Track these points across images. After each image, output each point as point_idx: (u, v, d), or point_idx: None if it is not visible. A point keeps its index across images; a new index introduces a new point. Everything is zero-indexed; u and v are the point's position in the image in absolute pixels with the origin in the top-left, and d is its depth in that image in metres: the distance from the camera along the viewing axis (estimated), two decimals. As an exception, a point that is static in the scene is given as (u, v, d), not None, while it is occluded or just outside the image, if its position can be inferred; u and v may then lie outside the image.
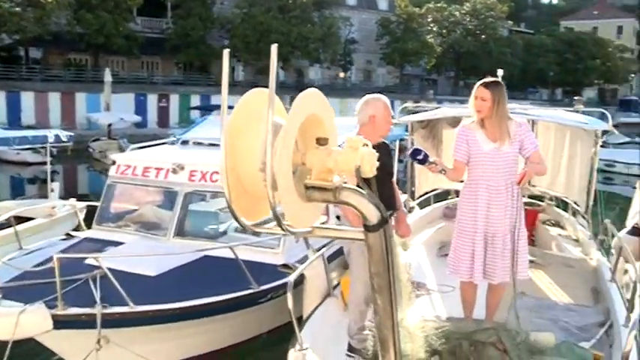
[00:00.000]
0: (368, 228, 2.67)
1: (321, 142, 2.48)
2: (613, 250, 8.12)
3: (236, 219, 2.54)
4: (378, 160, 4.57)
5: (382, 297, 2.85)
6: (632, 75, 78.47)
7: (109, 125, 26.93)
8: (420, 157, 4.21)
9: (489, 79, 4.50)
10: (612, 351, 4.52)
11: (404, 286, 4.15)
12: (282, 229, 2.65)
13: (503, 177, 4.39)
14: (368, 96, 4.46)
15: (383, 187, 4.29)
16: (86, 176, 25.05)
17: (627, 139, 32.86)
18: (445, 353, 3.99)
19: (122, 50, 37.43)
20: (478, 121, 4.45)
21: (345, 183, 2.44)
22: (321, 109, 2.58)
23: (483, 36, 55.78)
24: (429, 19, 54.91)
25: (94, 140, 26.34)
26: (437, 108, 9.68)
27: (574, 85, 68.61)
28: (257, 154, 2.29)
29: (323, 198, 2.61)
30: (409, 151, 4.54)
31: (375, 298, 2.97)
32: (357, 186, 2.24)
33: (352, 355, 4.40)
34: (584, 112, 8.66)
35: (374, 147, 4.52)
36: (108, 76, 28.65)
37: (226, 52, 2.69)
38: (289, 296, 3.99)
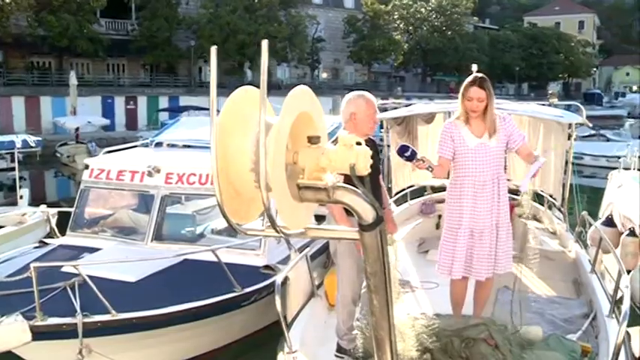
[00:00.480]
0: (364, 227, 2.60)
1: (313, 140, 2.40)
2: (589, 242, 8.25)
3: (229, 222, 2.45)
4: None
5: (378, 297, 2.79)
6: (594, 69, 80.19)
7: (77, 129, 26.37)
8: (408, 153, 4.16)
9: (477, 75, 4.46)
10: (598, 342, 4.56)
11: (393, 285, 4.11)
12: (277, 231, 2.56)
13: (489, 172, 4.39)
14: (351, 93, 4.40)
15: (371, 184, 4.24)
16: (54, 181, 24.53)
17: (593, 132, 33.54)
18: (436, 351, 3.97)
19: (87, 52, 36.61)
20: (463, 118, 4.43)
21: (339, 182, 2.38)
22: (311, 107, 2.51)
23: (449, 32, 56.29)
24: (396, 16, 55.19)
25: (61, 145, 25.79)
26: (408, 105, 9.69)
27: (539, 80, 69.79)
28: (247, 155, 2.22)
29: (316, 198, 2.53)
30: (396, 148, 4.48)
31: (372, 298, 2.90)
32: (349, 183, 2.18)
33: (341, 355, 4.35)
34: (557, 106, 8.77)
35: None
36: (73, 79, 28.07)
37: (214, 49, 2.59)
38: (277, 298, 3.92)
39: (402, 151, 4.19)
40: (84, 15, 35.75)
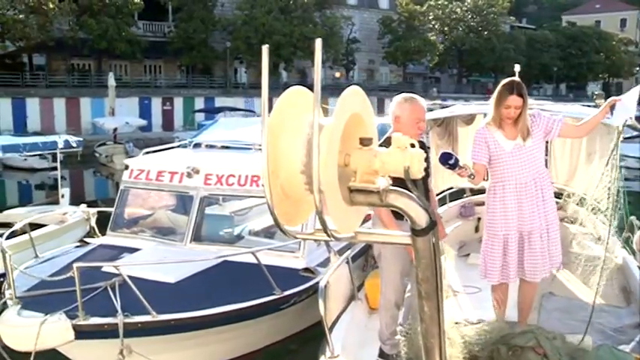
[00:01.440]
0: (416, 232, 2.51)
1: (365, 142, 2.32)
2: (635, 247, 7.99)
3: (278, 226, 2.38)
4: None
5: (430, 303, 2.70)
6: (637, 68, 78.14)
7: (115, 130, 26.85)
8: (452, 161, 3.96)
9: (514, 80, 4.36)
10: None
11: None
12: (328, 235, 2.48)
13: (529, 173, 4.33)
14: (401, 95, 4.32)
15: (422, 187, 4.16)
16: (93, 181, 24.98)
17: (636, 133, 32.68)
18: (483, 358, 3.85)
19: (125, 54, 37.37)
20: (496, 123, 4.35)
21: (392, 185, 2.30)
22: (362, 108, 2.43)
23: (485, 32, 55.52)
24: (431, 17, 54.69)
25: (99, 145, 26.26)
26: (445, 106, 9.56)
27: (578, 80, 68.34)
28: (298, 156, 2.15)
29: (368, 201, 2.45)
30: (438, 156, 4.35)
31: (422, 305, 2.81)
32: (402, 187, 2.10)
33: (384, 360, 4.27)
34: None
35: None
36: (112, 81, 28.59)
37: (265, 48, 2.53)
38: (321, 302, 3.86)
39: (445, 159, 3.97)
40: (122, 18, 36.52)
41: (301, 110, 2.23)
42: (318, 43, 2.22)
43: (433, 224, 2.59)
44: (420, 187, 2.26)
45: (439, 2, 56.13)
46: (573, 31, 67.38)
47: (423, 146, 4.42)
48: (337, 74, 51.70)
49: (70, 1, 33.92)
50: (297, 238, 2.65)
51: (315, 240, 2.65)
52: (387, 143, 2.51)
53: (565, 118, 4.62)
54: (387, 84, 54.55)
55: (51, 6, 32.66)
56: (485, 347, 3.92)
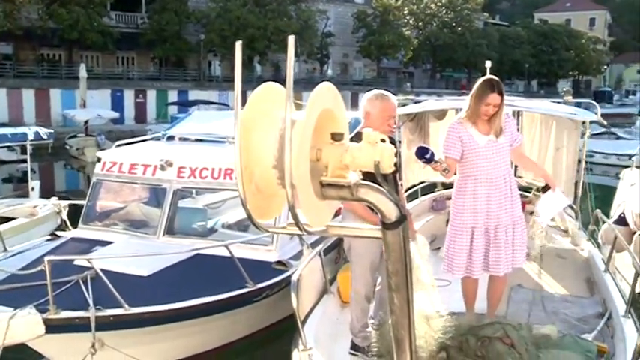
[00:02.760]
0: (387, 226, 2.57)
1: (337, 137, 2.37)
2: (600, 240, 8.20)
3: (251, 220, 2.42)
4: None
5: (399, 296, 2.77)
6: (605, 66, 79.61)
7: (86, 122, 26.42)
8: (428, 155, 3.97)
9: (492, 79, 4.45)
10: (614, 342, 4.53)
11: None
12: (300, 229, 2.54)
13: (500, 169, 4.45)
14: (373, 91, 4.35)
15: (390, 183, 4.21)
16: (63, 174, 24.61)
17: (603, 130, 33.33)
18: (452, 349, 3.94)
19: (97, 45, 36.74)
20: (472, 119, 4.43)
21: (363, 179, 2.35)
22: (334, 104, 2.48)
23: (459, 28, 56.04)
24: (405, 12, 54.98)
25: (70, 137, 25.85)
26: (417, 102, 9.65)
27: (549, 77, 69.41)
28: (270, 151, 2.19)
29: (339, 195, 2.50)
30: (414, 150, 4.40)
31: (392, 297, 2.88)
32: (373, 182, 2.15)
33: (356, 352, 4.33)
34: (575, 104, 8.72)
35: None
36: (83, 72, 28.15)
37: (238, 45, 2.56)
38: (293, 295, 3.90)
39: (421, 153, 4.01)
40: (94, 8, 35.92)
41: (274, 105, 2.27)
42: (291, 39, 2.27)
43: (403, 218, 2.66)
44: (391, 181, 2.33)
45: (414, -3, 56.55)
46: (544, 28, 68.37)
47: (393, 141, 4.48)
48: (313, 68, 51.74)
49: (39, -11, 33.39)
50: (269, 232, 2.70)
51: (288, 234, 2.70)
52: (357, 138, 2.55)
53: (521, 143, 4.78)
54: (361, 78, 54.70)
55: (18, -7, 32.04)
56: (455, 338, 4.01)
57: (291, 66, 2.22)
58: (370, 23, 51.49)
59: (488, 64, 7.50)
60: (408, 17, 55.45)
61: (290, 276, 5.12)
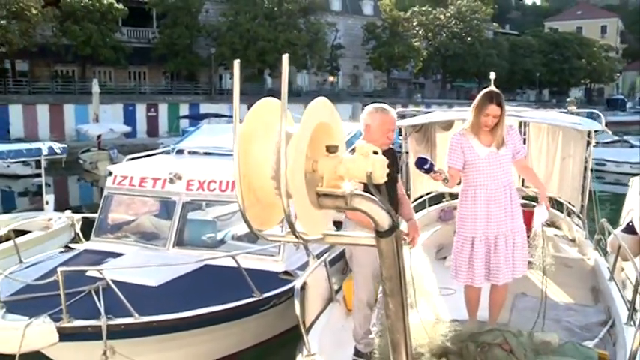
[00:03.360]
0: (380, 234, 2.70)
1: (331, 149, 2.50)
2: (609, 249, 8.23)
3: (250, 228, 2.56)
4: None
5: (394, 300, 2.88)
6: (618, 74, 79.25)
7: (99, 136, 26.80)
8: (427, 166, 4.18)
9: (493, 90, 4.55)
10: (616, 349, 4.58)
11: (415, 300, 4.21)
12: (296, 237, 2.67)
13: (500, 180, 4.52)
14: (373, 105, 4.47)
15: (390, 192, 4.33)
16: (77, 188, 24.93)
17: (615, 138, 33.21)
18: (452, 355, 4.04)
19: (109, 61, 37.32)
20: (474, 130, 4.53)
21: (357, 189, 2.47)
22: (329, 117, 2.61)
23: (469, 38, 56.12)
24: (415, 23, 55.20)
25: (83, 152, 26.20)
26: (428, 112, 9.75)
27: (561, 86, 69.20)
28: (268, 163, 2.32)
29: (335, 205, 2.64)
30: (414, 161, 4.55)
31: (387, 301, 2.99)
32: (367, 192, 2.27)
33: (359, 359, 4.43)
34: (578, 114, 8.79)
35: (382, 153, 4.50)
36: (96, 87, 28.55)
37: (237, 63, 2.71)
38: (296, 302, 4.01)
39: (420, 164, 4.22)
40: (106, 24, 36.46)
41: (272, 119, 2.41)
42: (285, 58, 2.43)
43: (395, 226, 2.78)
44: (384, 191, 2.43)
45: (423, 9, 56.69)
46: (555, 37, 68.28)
47: (393, 153, 4.61)
48: (330, 78, 52.02)
49: (53, 7, 33.89)
50: (268, 240, 2.83)
51: (285, 242, 2.82)
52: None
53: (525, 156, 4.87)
54: (372, 89, 54.90)
55: (34, 12, 32.55)
56: (455, 344, 4.10)
57: (285, 82, 2.37)
58: (380, 35, 51.72)
59: (492, 75, 7.57)
60: (417, 28, 55.64)
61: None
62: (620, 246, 5.94)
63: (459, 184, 4.76)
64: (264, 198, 2.55)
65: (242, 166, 2.48)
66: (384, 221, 2.76)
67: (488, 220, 4.47)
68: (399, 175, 5.35)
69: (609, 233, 7.74)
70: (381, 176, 2.62)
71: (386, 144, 4.40)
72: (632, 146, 28.86)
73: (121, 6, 37.34)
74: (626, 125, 42.10)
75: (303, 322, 4.27)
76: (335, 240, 3.48)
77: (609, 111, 58.30)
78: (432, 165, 4.20)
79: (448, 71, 59.70)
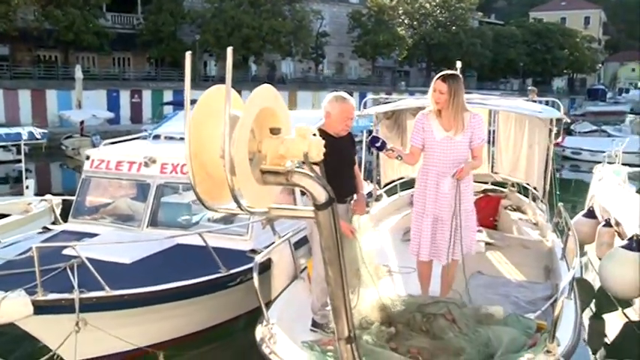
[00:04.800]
0: (317, 207, 3.02)
1: (274, 131, 2.82)
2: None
3: (200, 200, 2.89)
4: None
5: (333, 269, 3.20)
6: (600, 65, 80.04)
7: (82, 122, 26.84)
8: (378, 144, 4.60)
9: (447, 72, 4.85)
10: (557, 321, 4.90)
11: (365, 268, 4.50)
12: (242, 209, 3.00)
13: (452, 164, 4.74)
14: (333, 93, 4.76)
15: (347, 172, 4.63)
16: (60, 174, 24.99)
17: (594, 128, 33.82)
18: (401, 325, 4.35)
19: (93, 46, 37.18)
20: (435, 111, 4.80)
21: (297, 167, 2.77)
22: (274, 102, 2.92)
23: (454, 27, 56.36)
24: (400, 11, 55.33)
25: (66, 138, 26.25)
26: (401, 99, 10.03)
27: (544, 75, 69.75)
28: (218, 143, 2.62)
29: (277, 181, 2.97)
30: (368, 139, 4.91)
31: (327, 270, 3.32)
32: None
33: (316, 329, 4.73)
34: (539, 102, 9.12)
35: (341, 137, 4.90)
36: (79, 73, 28.50)
37: (188, 55, 3.03)
38: (255, 275, 4.28)
39: (372, 142, 4.63)
40: (90, 9, 36.31)
41: (222, 104, 2.72)
42: (229, 50, 2.77)
43: (331, 200, 3.12)
44: (322, 168, 2.75)
45: (408, -3, 56.88)
46: (539, 27, 68.67)
47: (352, 138, 4.91)
48: (308, 67, 51.97)
49: (35, -10, 33.75)
50: (218, 211, 3.13)
51: (232, 213, 3.10)
52: (320, 133, 2.99)
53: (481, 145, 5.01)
54: (356, 77, 55.11)
55: (14, -5, 32.40)
56: (404, 315, 4.41)
57: (229, 71, 2.70)
58: (365, 23, 51.84)
59: (458, 64, 7.88)
60: (402, 17, 55.81)
61: (263, 263, 5.54)
62: (569, 228, 6.22)
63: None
64: (215, 175, 2.87)
65: (194, 146, 2.81)
66: (321, 195, 3.11)
67: (435, 200, 4.76)
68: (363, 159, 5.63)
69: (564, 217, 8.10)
70: (317, 155, 2.96)
71: (344, 130, 4.71)
72: (609, 135, 29.41)
73: (104, -9, 37.25)
74: (606, 115, 42.71)
75: (266, 299, 4.54)
76: (279, 213, 3.82)
77: (590, 101, 59.04)
78: (383, 143, 4.56)
79: (432, 60, 59.94)
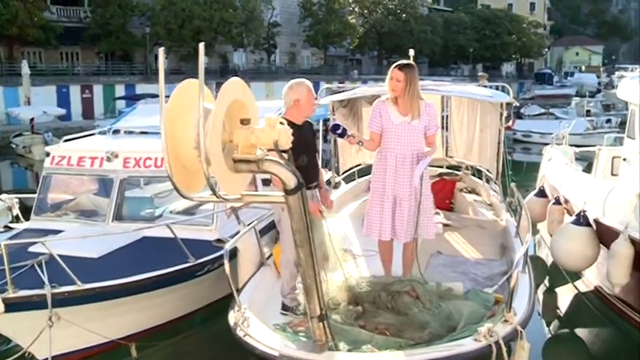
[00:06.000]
0: (287, 192, 3.20)
1: (244, 122, 3.00)
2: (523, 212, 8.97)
3: (177, 190, 3.03)
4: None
5: (304, 250, 3.39)
6: (546, 49, 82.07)
7: (32, 119, 26.19)
8: (339, 131, 4.82)
9: (403, 61, 5.08)
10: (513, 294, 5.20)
11: (331, 252, 4.69)
12: (217, 197, 3.16)
13: (409, 147, 5.00)
14: (292, 81, 4.94)
15: (310, 160, 4.82)
16: (10, 172, 24.39)
17: (542, 111, 34.78)
18: (367, 303, 4.57)
19: (39, 41, 36.16)
20: (392, 99, 5.03)
21: (267, 156, 2.94)
22: (243, 95, 3.09)
23: (404, 15, 56.97)
24: (350, 0, 55.58)
25: (15, 135, 25.60)
26: (355, 88, 10.23)
27: (493, 61, 71.20)
28: (191, 135, 2.76)
29: (249, 169, 3.14)
30: (329, 126, 5.14)
31: (298, 252, 3.51)
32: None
33: (286, 312, 4.91)
34: (488, 87, 9.46)
35: (300, 126, 5.11)
36: (25, 69, 27.83)
37: (161, 51, 3.16)
38: (226, 262, 4.41)
39: (333, 129, 4.85)
40: (34, 2, 35.16)
41: (194, 97, 2.87)
42: (201, 46, 2.92)
43: (300, 185, 3.30)
44: (291, 156, 2.93)
45: (358, -15, 57.12)
46: (487, 13, 69.99)
47: (310, 126, 5.09)
48: (260, 58, 51.63)
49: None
50: (194, 200, 3.26)
51: (208, 201, 3.24)
52: (289, 124, 3.15)
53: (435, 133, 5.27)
54: (309, 67, 55.19)
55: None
56: (370, 294, 4.64)
57: (201, 66, 2.86)
58: (316, 12, 51.84)
59: (411, 52, 8.11)
60: (353, 5, 56.06)
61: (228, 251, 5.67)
62: (521, 207, 6.54)
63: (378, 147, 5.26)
64: (189, 165, 3.03)
65: (169, 138, 2.96)
66: (291, 181, 3.30)
67: (395, 182, 4.99)
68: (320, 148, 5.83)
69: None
70: (286, 143, 3.14)
71: (314, 111, 4.94)
72: (557, 118, 30.32)
73: (49, -17, 36.27)
74: (553, 98, 43.84)
75: (234, 282, 4.68)
76: (251, 199, 3.99)
77: (537, 84, 60.52)
78: (344, 130, 4.78)
79: (384, 48, 60.48)
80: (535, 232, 10.37)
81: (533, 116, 33.36)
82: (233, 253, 5.49)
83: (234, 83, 2.88)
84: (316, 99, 5.55)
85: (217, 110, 2.75)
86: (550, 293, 8.71)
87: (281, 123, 2.86)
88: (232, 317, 4.36)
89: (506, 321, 3.97)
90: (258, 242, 5.66)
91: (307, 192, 4.85)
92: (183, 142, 2.78)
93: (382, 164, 5.08)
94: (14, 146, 24.93)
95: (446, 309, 4.41)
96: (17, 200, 9.21)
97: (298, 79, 4.95)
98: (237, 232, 6.56)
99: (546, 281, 9.02)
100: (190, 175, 2.84)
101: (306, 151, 4.72)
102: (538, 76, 68.02)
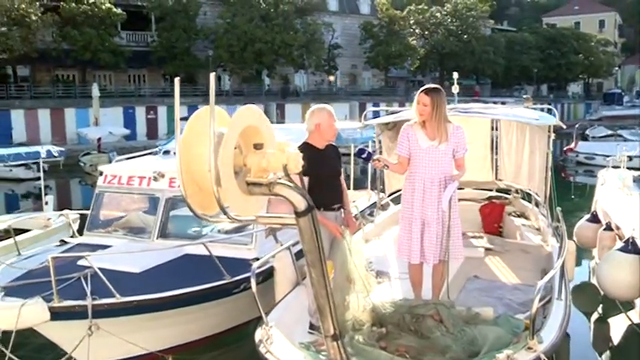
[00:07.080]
0: (298, 214, 3.32)
1: (257, 146, 3.15)
2: (574, 238, 8.75)
3: (192, 210, 3.21)
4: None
5: (316, 270, 3.49)
6: (616, 68, 79.45)
7: (99, 139, 27.45)
8: (365, 155, 4.94)
9: (430, 85, 5.15)
10: (545, 321, 5.10)
11: (355, 273, 4.76)
12: (228, 218, 3.32)
13: (437, 171, 5.05)
14: (314, 106, 5.10)
15: (333, 182, 4.93)
16: (78, 189, 25.54)
17: (609, 132, 33.64)
18: (391, 325, 4.61)
19: (109, 65, 38.03)
20: (420, 122, 5.09)
21: (280, 179, 3.08)
22: (257, 120, 3.24)
23: (465, 36, 56.48)
24: (411, 21, 55.57)
25: (84, 154, 26.85)
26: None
27: (558, 81, 69.46)
28: (206, 159, 2.92)
29: (261, 191, 3.29)
30: (355, 152, 5.26)
31: (310, 272, 3.61)
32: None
33: (313, 332, 4.99)
34: (533, 109, 9.32)
35: (322, 150, 5.25)
36: (96, 91, 29.20)
37: (177, 80, 3.34)
38: (253, 282, 4.56)
39: (359, 154, 4.98)
40: (105, 28, 37.13)
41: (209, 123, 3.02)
42: (212, 77, 3.11)
43: (310, 207, 3.43)
44: (303, 180, 3.06)
45: (419, 7, 57.06)
46: (552, 32, 68.53)
47: (335, 149, 5.21)
48: (331, 78, 52.37)
49: (52, 13, 34.62)
50: (210, 221, 3.43)
51: (221, 221, 3.39)
52: (305, 148, 3.29)
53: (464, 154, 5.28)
54: (370, 88, 55.40)
55: (33, 18, 33.35)
56: (394, 316, 4.67)
57: (212, 94, 3.04)
58: (377, 34, 52.14)
59: (455, 75, 8.11)
60: (413, 27, 56.03)
61: (266, 270, 5.84)
62: (564, 231, 6.39)
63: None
64: (204, 187, 3.20)
65: (185, 162, 3.14)
66: (300, 203, 3.44)
67: (422, 205, 5.03)
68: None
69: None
70: (295, 167, 3.28)
71: (334, 135, 5.07)
72: (625, 140, 29.23)
73: (119, 10, 38.07)
74: (622, 119, 42.31)
75: (265, 300, 4.81)
76: (265, 221, 4.14)
77: (606, 105, 58.61)
78: (369, 154, 4.91)
79: (445, 68, 60.08)
80: (589, 258, 10.08)
81: (599, 138, 32.31)
82: (270, 273, 5.66)
83: (247, 109, 3.03)
84: (358, 128, 5.64)
85: (229, 135, 2.91)
86: (601, 323, 8.41)
87: (291, 147, 2.99)
88: (258, 334, 4.49)
89: (530, 348, 3.92)
90: (294, 261, 5.78)
91: (331, 213, 5.01)
92: (198, 165, 2.94)
93: (410, 188, 5.13)
94: (82, 165, 26.14)
95: (470, 333, 4.39)
96: (78, 216, 9.75)
97: (320, 105, 5.12)
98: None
99: (599, 309, 8.72)
100: (207, 197, 3.00)
101: (330, 174, 4.83)
102: (607, 96, 65.90)
